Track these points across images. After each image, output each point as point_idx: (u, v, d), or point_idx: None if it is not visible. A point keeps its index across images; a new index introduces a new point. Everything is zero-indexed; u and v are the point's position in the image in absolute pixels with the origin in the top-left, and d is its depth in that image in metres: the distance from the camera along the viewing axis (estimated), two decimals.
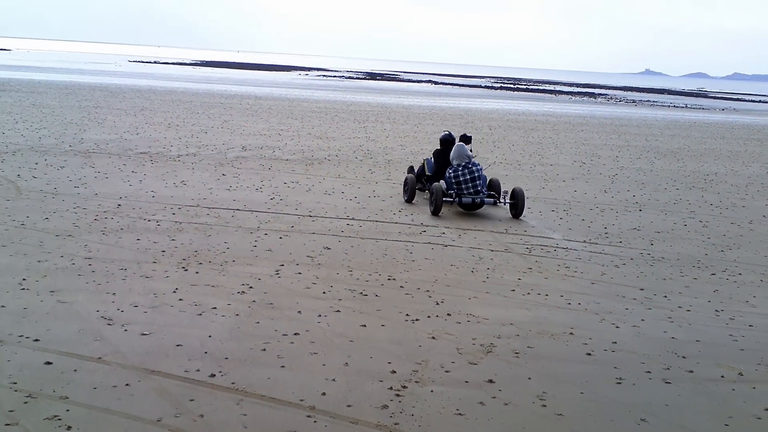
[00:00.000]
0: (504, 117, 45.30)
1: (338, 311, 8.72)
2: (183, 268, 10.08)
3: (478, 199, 14.84)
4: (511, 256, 11.87)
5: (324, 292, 9.41)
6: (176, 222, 12.72)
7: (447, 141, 16.55)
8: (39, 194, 14.27)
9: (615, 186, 19.98)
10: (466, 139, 16.06)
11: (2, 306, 8.16)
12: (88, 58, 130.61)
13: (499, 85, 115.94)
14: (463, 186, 14.92)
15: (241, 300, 8.90)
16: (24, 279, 9.14)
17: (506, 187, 16.70)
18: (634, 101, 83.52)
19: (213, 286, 9.34)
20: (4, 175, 15.98)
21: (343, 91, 66.06)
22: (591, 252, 12.40)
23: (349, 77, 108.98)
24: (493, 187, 15.78)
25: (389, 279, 10.15)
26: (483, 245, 12.42)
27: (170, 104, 38.82)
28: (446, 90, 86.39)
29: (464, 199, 14.82)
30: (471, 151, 15.58)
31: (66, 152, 19.80)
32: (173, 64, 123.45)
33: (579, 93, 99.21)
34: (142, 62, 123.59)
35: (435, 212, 14.63)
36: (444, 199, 14.79)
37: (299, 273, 10.19)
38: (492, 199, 15.09)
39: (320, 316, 8.51)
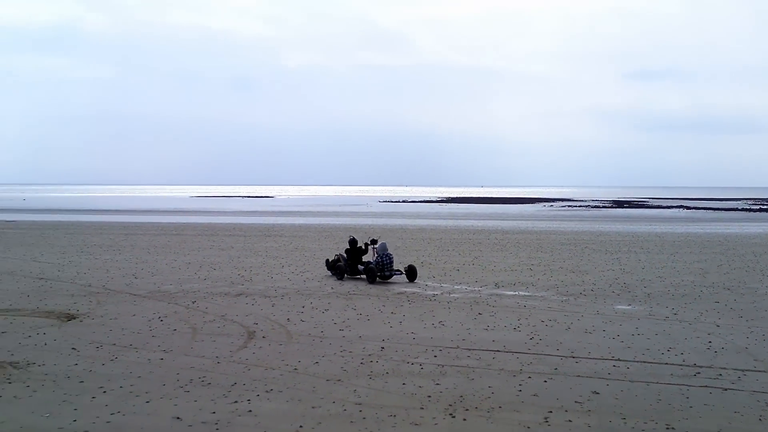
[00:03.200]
0: None
1: None
2: (450, 414, 10.00)
3: (391, 274, 23.86)
4: None
5: None
6: (438, 365, 12.77)
7: (354, 242, 25.56)
8: (308, 338, 14.94)
9: None
10: (375, 241, 25.65)
11: None
12: (341, 200, 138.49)
13: (757, 206, 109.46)
14: (385, 267, 23.82)
15: None
16: (301, 426, 9.46)
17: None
18: None
19: None
20: (275, 319, 16.92)
21: (591, 221, 65.11)
22: None
23: (595, 206, 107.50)
24: (411, 267, 24.27)
25: (668, 428, 9.49)
26: None
27: (420, 242, 39.94)
28: (699, 215, 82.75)
29: (386, 273, 23.79)
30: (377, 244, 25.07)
31: (329, 295, 20.74)
32: (420, 201, 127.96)
33: None
34: (392, 202, 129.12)
35: (372, 281, 23.61)
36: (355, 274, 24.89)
37: (569, 420, 9.79)
38: (399, 272, 24.15)
39: None
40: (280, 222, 60.50)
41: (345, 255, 25.18)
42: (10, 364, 12.68)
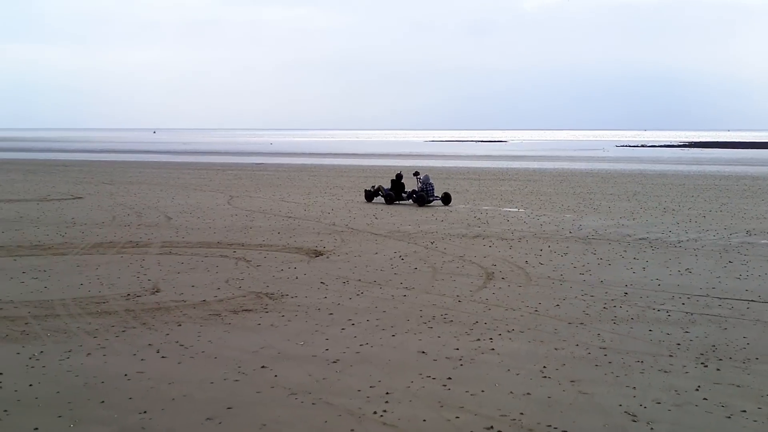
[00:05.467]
0: None
1: None
2: (702, 363, 9.55)
3: (433, 199, 29.47)
4: None
5: None
6: (687, 313, 12.21)
7: (400, 176, 30.99)
8: (547, 281, 14.77)
9: None
10: (417, 173, 30.95)
11: (528, 393, 8.42)
12: (577, 145, 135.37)
13: None
14: (429, 194, 29.41)
15: None
16: (544, 367, 9.39)
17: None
18: None
19: (738, 386, 8.68)
20: (513, 261, 16.88)
21: None
22: None
23: None
24: (446, 194, 30.00)
25: None
26: None
27: (662, 188, 38.30)
28: None
29: (429, 199, 29.32)
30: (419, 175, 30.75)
31: (567, 239, 20.38)
32: (660, 146, 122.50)
33: None
34: (629, 146, 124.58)
35: (421, 204, 29.25)
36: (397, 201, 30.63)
37: None
38: (438, 198, 29.56)
39: None
40: (513, 166, 60.16)
41: (388, 186, 30.84)
42: (267, 294, 13.54)
